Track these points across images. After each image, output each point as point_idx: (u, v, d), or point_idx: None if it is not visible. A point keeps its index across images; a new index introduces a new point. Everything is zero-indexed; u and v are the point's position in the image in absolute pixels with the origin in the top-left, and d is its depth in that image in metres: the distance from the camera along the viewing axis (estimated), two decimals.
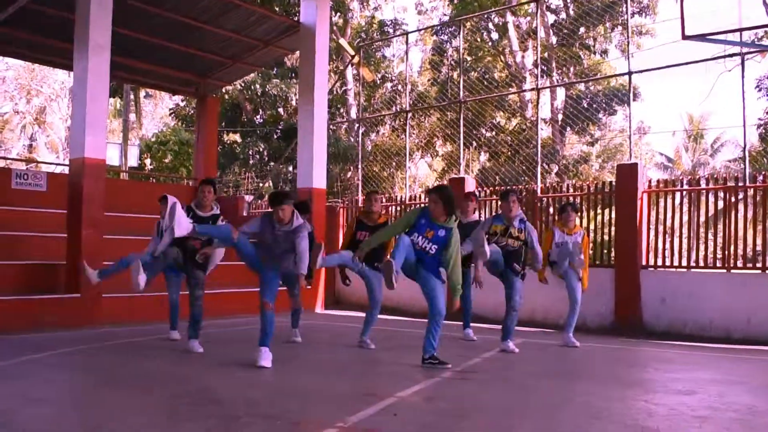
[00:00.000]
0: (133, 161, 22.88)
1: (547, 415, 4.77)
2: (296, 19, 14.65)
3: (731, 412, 4.83)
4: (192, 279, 7.37)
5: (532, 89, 16.35)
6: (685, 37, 8.75)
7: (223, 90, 21.45)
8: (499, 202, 8.02)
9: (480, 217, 10.98)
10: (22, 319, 9.03)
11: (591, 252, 10.71)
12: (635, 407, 4.98)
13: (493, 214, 8.34)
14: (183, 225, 6.63)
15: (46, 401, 4.92)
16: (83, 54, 9.95)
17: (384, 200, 14.31)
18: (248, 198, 16.69)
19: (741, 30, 9.33)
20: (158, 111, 37.89)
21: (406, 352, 7.37)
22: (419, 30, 26.16)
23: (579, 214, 9.26)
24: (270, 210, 6.65)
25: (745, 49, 9.98)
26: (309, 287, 6.90)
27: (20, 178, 12.87)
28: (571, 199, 11.49)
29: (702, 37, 8.95)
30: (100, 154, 10.12)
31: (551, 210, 11.75)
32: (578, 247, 8.27)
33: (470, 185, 12.57)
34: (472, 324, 9.05)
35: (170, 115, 26.99)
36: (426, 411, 4.82)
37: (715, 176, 10.68)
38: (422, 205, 9.08)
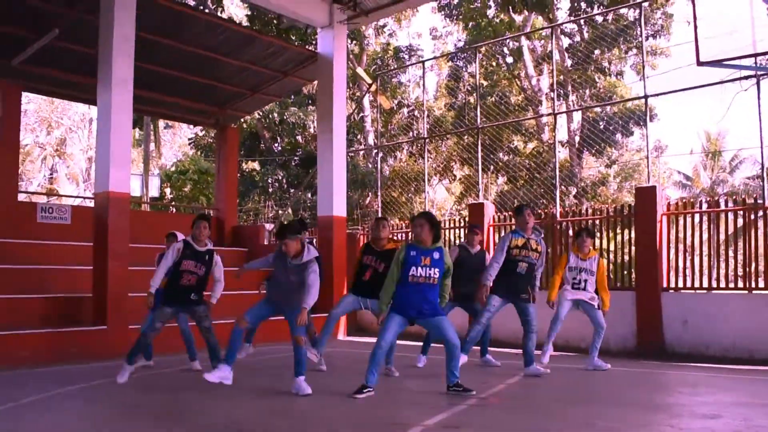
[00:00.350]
0: (154, 191, 23.15)
1: None
2: (314, 49, 14.86)
3: None
4: (195, 315, 7.46)
5: (549, 114, 16.44)
6: (700, 63, 8.88)
7: (242, 119, 21.70)
8: (515, 218, 8.19)
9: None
10: (50, 352, 9.18)
11: (611, 276, 10.81)
12: None
13: (510, 230, 8.47)
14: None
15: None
16: (107, 89, 10.16)
17: (404, 225, 14.45)
18: (269, 226, 16.83)
19: (756, 55, 9.39)
20: (177, 140, 38.36)
21: (429, 380, 7.45)
22: (435, 57, 26.39)
23: (594, 239, 9.32)
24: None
25: (760, 72, 10.04)
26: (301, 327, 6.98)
27: (45, 212, 13.09)
28: (590, 222, 11.56)
29: (717, 63, 9.06)
30: (124, 187, 10.29)
31: (570, 233, 11.80)
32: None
33: (489, 210, 12.67)
34: (492, 349, 9.14)
35: (189, 144, 27.32)
36: None
37: (734, 196, 10.65)
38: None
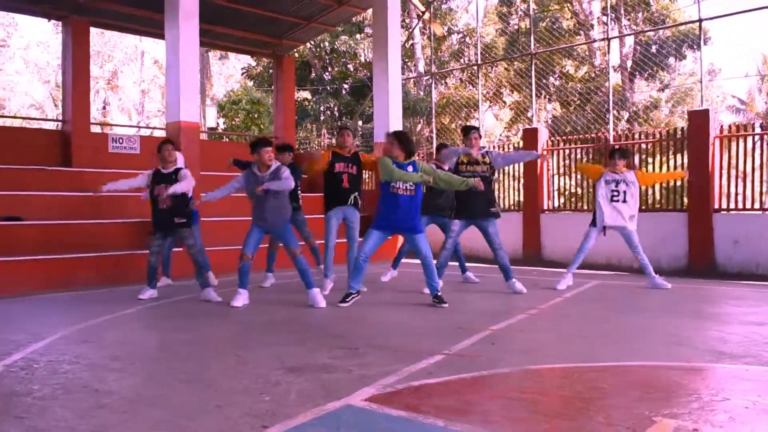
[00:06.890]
0: (211, 121, 23.68)
1: (631, 342, 5.27)
2: None
3: None
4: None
5: (602, 39, 16.44)
6: None
7: (295, 49, 21.98)
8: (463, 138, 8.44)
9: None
10: (134, 271, 9.90)
11: (663, 201, 11.07)
12: (711, 336, 5.44)
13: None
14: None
15: (198, 339, 5.66)
16: (174, 23, 10.60)
17: None
18: None
19: None
20: (224, 71, 38.70)
21: (486, 296, 7.99)
22: None
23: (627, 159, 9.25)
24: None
25: None
26: None
27: (116, 142, 13.72)
28: (642, 146, 11.80)
29: None
30: (194, 117, 10.81)
31: None
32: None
33: (543, 135, 12.93)
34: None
35: (242, 74, 27.69)
36: (521, 341, 5.36)
37: None
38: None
